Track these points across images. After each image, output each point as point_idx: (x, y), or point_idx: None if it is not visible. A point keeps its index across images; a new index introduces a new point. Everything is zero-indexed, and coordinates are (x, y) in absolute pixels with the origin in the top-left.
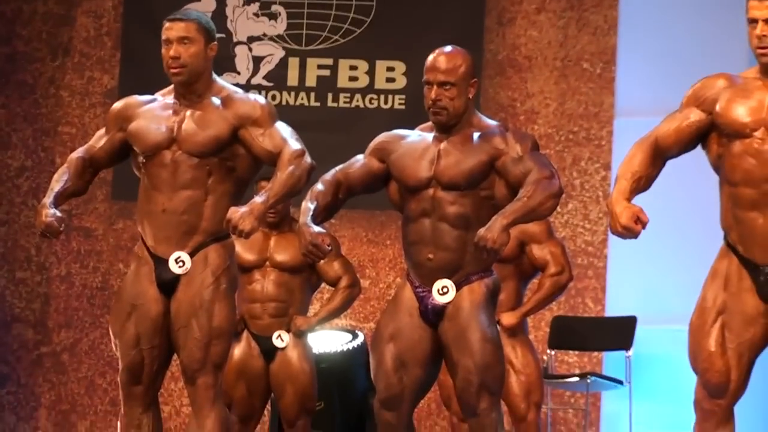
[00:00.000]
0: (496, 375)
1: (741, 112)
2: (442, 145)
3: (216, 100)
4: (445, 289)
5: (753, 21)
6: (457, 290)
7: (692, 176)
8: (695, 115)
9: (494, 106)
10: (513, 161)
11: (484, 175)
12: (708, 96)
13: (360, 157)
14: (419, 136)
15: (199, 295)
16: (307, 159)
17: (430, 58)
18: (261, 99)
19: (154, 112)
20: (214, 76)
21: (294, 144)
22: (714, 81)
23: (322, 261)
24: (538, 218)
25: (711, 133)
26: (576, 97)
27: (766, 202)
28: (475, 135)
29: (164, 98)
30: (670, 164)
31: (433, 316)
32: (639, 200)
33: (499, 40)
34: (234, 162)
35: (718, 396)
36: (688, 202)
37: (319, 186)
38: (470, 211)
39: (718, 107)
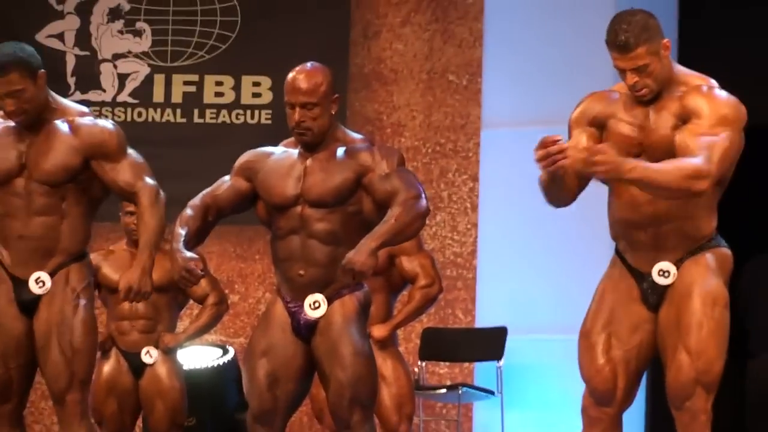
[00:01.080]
0: (368, 388)
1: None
2: (308, 162)
3: (63, 126)
4: (316, 304)
5: (621, 70)
6: (329, 304)
7: None
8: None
9: (361, 120)
10: (380, 178)
11: (351, 192)
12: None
13: (226, 178)
14: (284, 153)
15: (60, 313)
16: (161, 196)
17: (289, 78)
18: (110, 126)
19: None
20: (52, 95)
21: (147, 182)
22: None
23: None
24: (406, 239)
25: None
26: (442, 110)
27: (648, 223)
28: (341, 150)
29: (5, 121)
30: (531, 176)
31: (305, 331)
32: (504, 210)
33: (364, 54)
34: (87, 185)
35: (604, 404)
36: (555, 214)
37: (189, 211)
38: (339, 227)
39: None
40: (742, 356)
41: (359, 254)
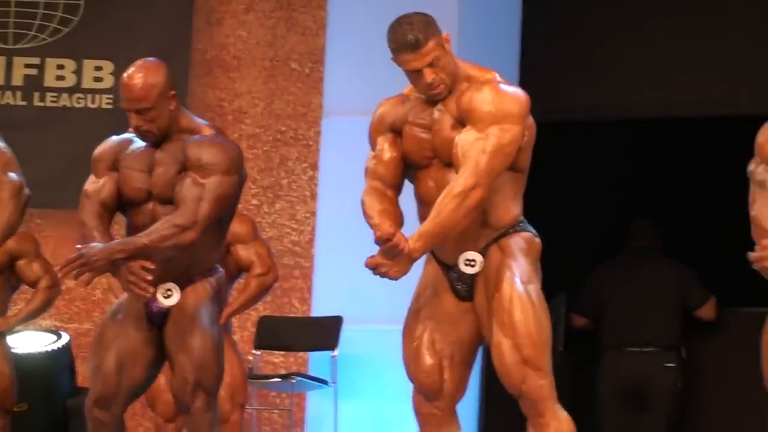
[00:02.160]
0: (212, 375)
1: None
2: (157, 155)
3: None
4: (169, 293)
5: (415, 71)
6: (182, 290)
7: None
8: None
9: (202, 106)
10: (188, 184)
11: None
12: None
13: (94, 178)
14: (137, 145)
15: None
16: (24, 192)
17: (123, 82)
18: None
19: None
20: None
21: (10, 176)
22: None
23: (21, 261)
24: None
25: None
26: (284, 97)
27: None
28: (181, 142)
29: None
30: None
31: (158, 318)
32: (344, 199)
33: (207, 40)
34: None
35: (432, 398)
36: None
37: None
38: None
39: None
40: (595, 352)
41: (97, 252)
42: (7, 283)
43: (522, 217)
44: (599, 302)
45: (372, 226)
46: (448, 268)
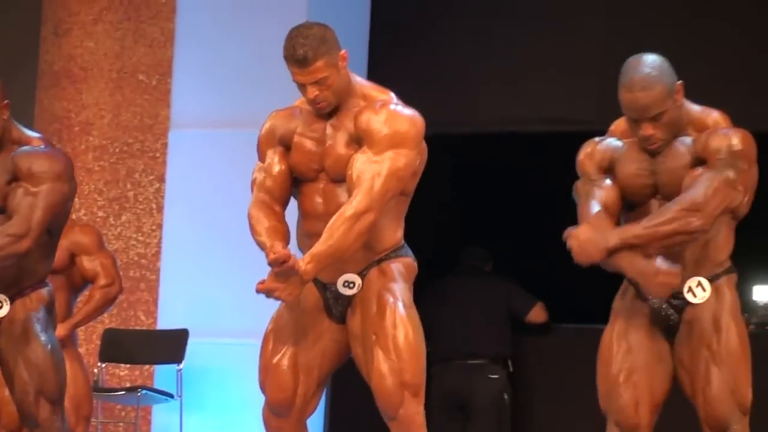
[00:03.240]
0: (54, 383)
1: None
2: None
3: None
4: None
5: (300, 84)
6: (11, 303)
7: (243, 190)
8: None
9: (49, 117)
10: (21, 193)
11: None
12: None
13: None
14: None
15: None
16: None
17: None
18: None
19: None
20: None
21: None
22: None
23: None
24: None
25: None
26: (131, 109)
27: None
28: (15, 153)
29: None
30: (228, 174)
31: None
32: (190, 212)
33: (55, 51)
34: None
35: (282, 414)
36: (239, 218)
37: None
38: None
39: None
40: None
41: None
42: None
43: (403, 241)
44: (428, 319)
45: (261, 245)
46: (324, 286)
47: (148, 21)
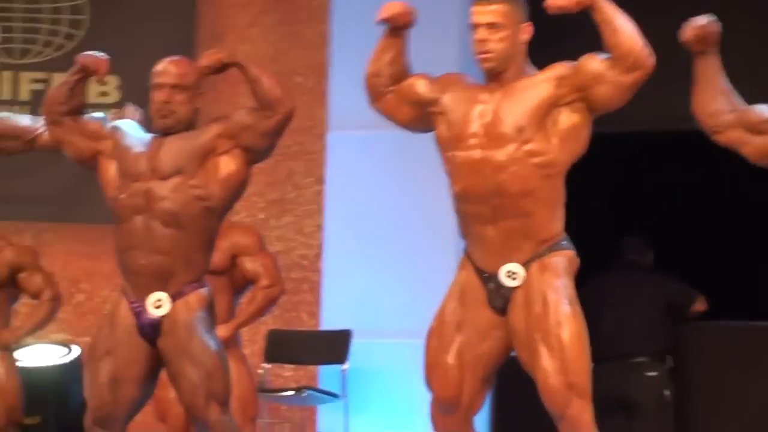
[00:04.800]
0: (221, 383)
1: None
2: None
3: None
4: (159, 303)
5: (474, 27)
6: (173, 303)
7: (410, 188)
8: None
9: (207, 120)
10: None
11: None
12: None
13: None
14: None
15: None
16: None
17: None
18: None
19: None
20: None
21: None
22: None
23: (23, 274)
24: None
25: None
26: None
27: (497, 216)
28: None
29: None
30: (389, 175)
31: (150, 331)
32: (351, 213)
33: None
34: None
35: (449, 411)
36: (401, 218)
37: None
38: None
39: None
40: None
41: None
42: (10, 296)
43: (564, 232)
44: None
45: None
46: (487, 278)
47: (303, 23)
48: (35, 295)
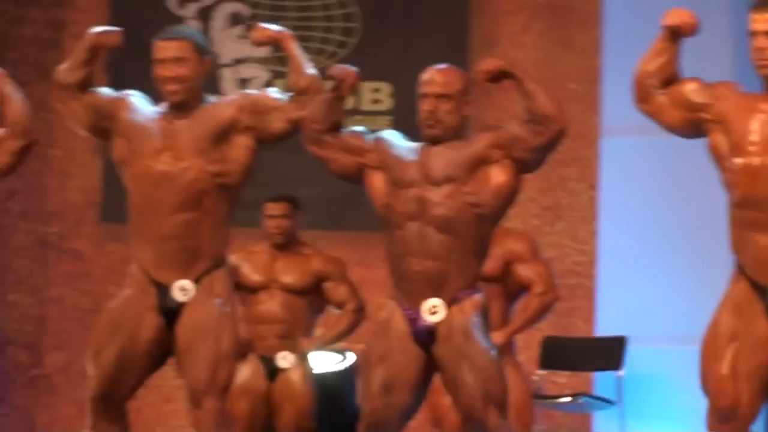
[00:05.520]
0: (499, 388)
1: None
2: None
3: None
4: (434, 309)
5: (753, 35)
6: (448, 309)
7: (685, 192)
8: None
9: (480, 126)
10: None
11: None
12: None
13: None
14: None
15: (206, 318)
16: None
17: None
18: None
19: None
20: None
21: None
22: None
23: (329, 283)
24: None
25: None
26: None
27: None
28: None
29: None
30: (663, 180)
31: (424, 337)
32: (624, 219)
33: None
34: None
35: (727, 421)
36: (676, 223)
37: None
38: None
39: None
40: None
41: None
42: (312, 305)
43: None
44: None
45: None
46: (764, 291)
47: (575, 29)
48: (339, 305)
